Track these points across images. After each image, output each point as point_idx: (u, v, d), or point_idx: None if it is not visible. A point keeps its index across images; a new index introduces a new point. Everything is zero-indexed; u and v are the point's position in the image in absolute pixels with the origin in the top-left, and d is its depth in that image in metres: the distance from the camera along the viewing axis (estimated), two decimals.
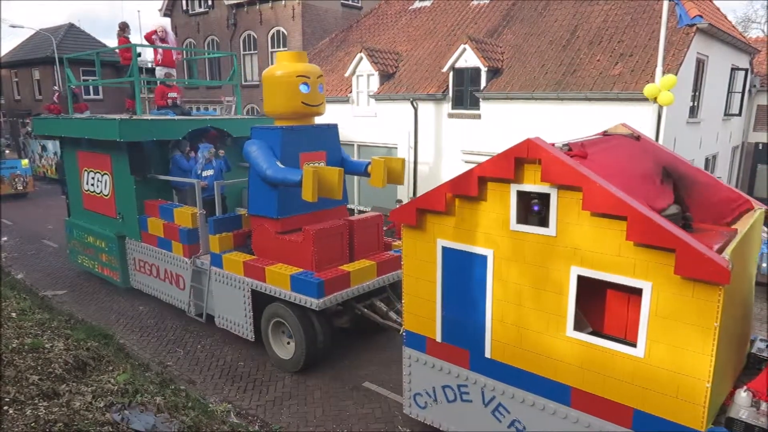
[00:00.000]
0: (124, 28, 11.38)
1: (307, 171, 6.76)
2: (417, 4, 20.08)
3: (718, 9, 16.51)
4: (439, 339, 5.62)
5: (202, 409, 6.56)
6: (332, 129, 8.49)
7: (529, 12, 16.15)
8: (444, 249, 5.37)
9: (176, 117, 9.99)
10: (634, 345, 4.33)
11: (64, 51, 31.83)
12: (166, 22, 29.02)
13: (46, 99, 30.43)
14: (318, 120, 8.73)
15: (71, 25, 36.11)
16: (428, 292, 5.60)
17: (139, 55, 10.33)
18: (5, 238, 15.35)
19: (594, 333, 4.71)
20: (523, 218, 4.85)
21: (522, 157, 4.61)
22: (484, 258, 5.08)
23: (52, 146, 25.00)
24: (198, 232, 8.97)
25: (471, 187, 4.94)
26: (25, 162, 22.30)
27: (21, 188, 21.82)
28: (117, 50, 11.31)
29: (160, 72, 10.99)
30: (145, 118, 9.53)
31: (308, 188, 6.76)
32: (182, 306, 9.45)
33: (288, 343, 7.97)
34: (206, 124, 10.13)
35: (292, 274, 7.39)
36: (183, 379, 7.74)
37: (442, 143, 16.04)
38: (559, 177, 4.40)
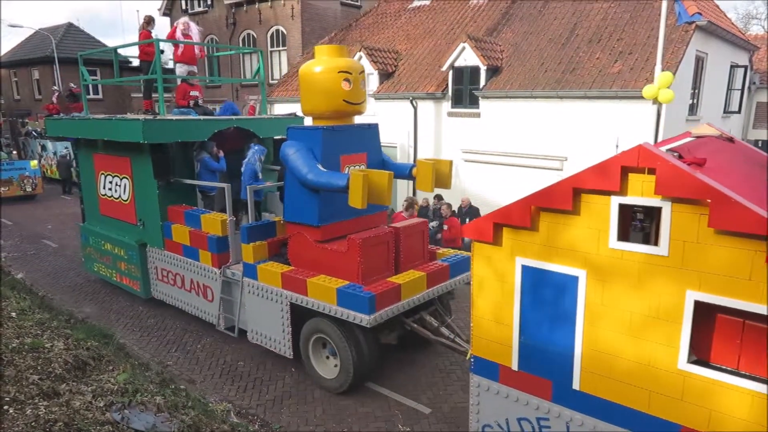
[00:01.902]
0: (149, 21, 10.39)
1: (356, 175, 5.97)
2: (416, 3, 19.49)
3: (717, 6, 15.95)
4: (515, 367, 4.96)
5: (202, 408, 6.38)
6: (373, 129, 7.66)
7: (528, 10, 15.64)
8: (524, 268, 4.70)
9: (201, 117, 9.19)
10: (764, 381, 3.68)
11: (63, 50, 31.46)
12: (160, 18, 28.93)
13: (46, 99, 30.04)
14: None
15: (70, 25, 35.33)
16: (503, 315, 4.91)
17: (163, 51, 9.44)
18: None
19: (699, 362, 4.07)
20: (624, 235, 4.18)
21: (630, 166, 3.95)
22: (574, 279, 4.44)
23: (52, 146, 23.78)
24: (228, 240, 8.15)
25: (564, 200, 4.27)
26: (33, 163, 21.21)
27: (30, 190, 20.76)
28: (138, 45, 10.35)
29: (180, 69, 9.99)
30: (169, 118, 8.72)
31: (357, 194, 5.99)
32: (210, 319, 8.61)
33: (327, 357, 7.20)
34: (233, 124, 9.29)
35: (338, 288, 6.53)
36: (183, 378, 7.49)
37: (442, 142, 15.47)
38: (680, 189, 3.73)
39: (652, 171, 3.88)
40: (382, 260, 7.00)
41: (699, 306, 3.92)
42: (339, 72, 6.85)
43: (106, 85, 31.34)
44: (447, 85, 15.05)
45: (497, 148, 14.12)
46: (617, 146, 12.31)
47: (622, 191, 4.08)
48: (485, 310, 5.08)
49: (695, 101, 14.00)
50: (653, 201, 3.96)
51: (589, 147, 12.54)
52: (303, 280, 6.87)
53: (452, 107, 15.15)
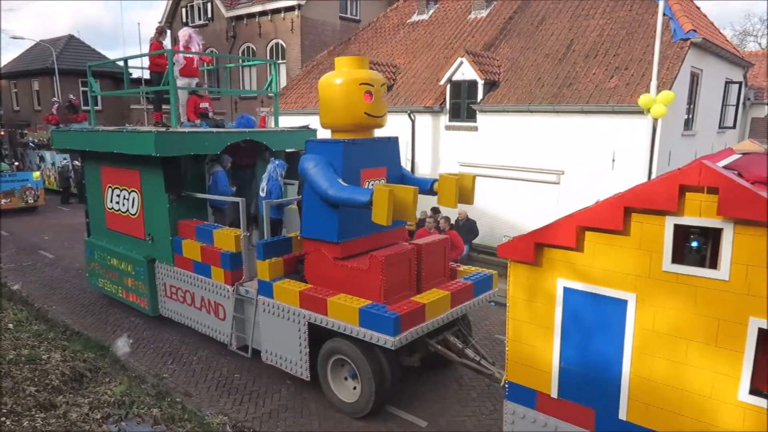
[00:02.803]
0: (161, 32, 10.09)
1: (382, 191, 5.66)
2: (415, 18, 19.32)
3: (712, 23, 15.82)
4: (554, 394, 4.66)
5: (198, 421, 6.29)
6: (393, 142, 7.37)
7: (525, 26, 15.50)
8: (567, 290, 4.43)
9: (214, 129, 8.82)
10: None
11: (63, 62, 31.38)
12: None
13: (45, 110, 30.08)
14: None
15: (71, 37, 35.10)
16: (542, 339, 4.61)
17: (175, 63, 9.10)
18: None
19: (757, 393, 3.79)
20: (679, 257, 3.92)
21: (688, 185, 3.69)
22: (622, 303, 4.16)
23: (50, 157, 23.42)
24: (241, 256, 7.77)
25: (614, 220, 4.02)
26: (36, 174, 20.66)
27: (32, 201, 20.20)
28: (148, 56, 9.99)
29: (181, 83, 9.58)
30: (182, 130, 8.33)
31: (383, 210, 5.67)
32: (222, 338, 8.18)
33: (346, 378, 6.83)
34: (246, 136, 8.91)
35: (361, 308, 6.14)
36: (179, 391, 7.31)
37: (440, 155, 15.24)
38: (745, 210, 3.48)
39: (712, 190, 3.63)
40: (405, 278, 6.65)
41: (762, 333, 3.66)
42: (360, 84, 6.57)
43: (105, 96, 31.51)
44: (445, 98, 14.89)
45: (494, 162, 14.05)
46: (614, 160, 12.41)
47: (679, 211, 3.82)
48: (522, 333, 4.78)
49: (691, 116, 13.97)
50: (713, 222, 3.70)
51: (585, 161, 12.41)
52: (323, 299, 6.47)
53: (450, 121, 14.99)
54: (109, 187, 9.73)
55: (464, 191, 6.79)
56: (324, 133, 7.46)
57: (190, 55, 9.51)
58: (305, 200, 6.98)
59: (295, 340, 6.92)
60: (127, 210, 9.36)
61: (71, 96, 24.48)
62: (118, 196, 9.51)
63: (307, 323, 6.73)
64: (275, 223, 8.23)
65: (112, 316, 10.03)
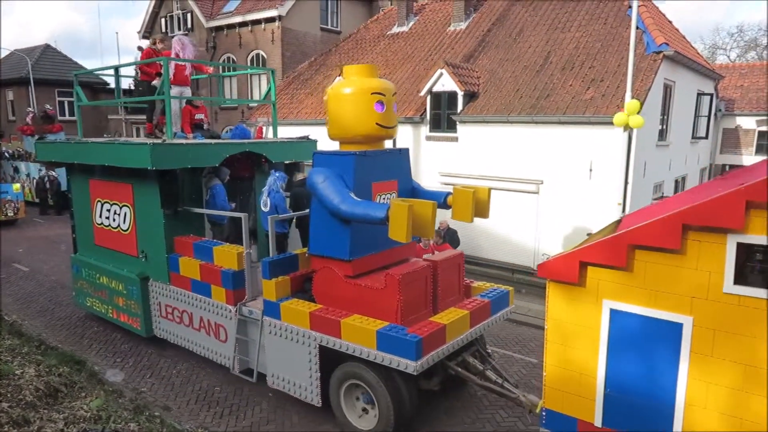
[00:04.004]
0: (162, 40, 9.51)
1: (401, 206, 5.26)
2: (395, 30, 19.18)
3: (684, 37, 16.16)
4: (598, 423, 4.33)
5: None
6: (404, 154, 6.91)
7: (503, 38, 15.48)
8: (614, 312, 4.13)
9: (212, 141, 8.33)
10: None
11: (39, 72, 30.75)
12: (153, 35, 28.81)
13: (20, 120, 29.40)
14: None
15: (47, 46, 33.93)
16: (584, 364, 4.29)
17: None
18: None
19: None
20: (742, 278, 3.65)
21: (755, 201, 3.43)
22: (677, 326, 3.88)
23: (25, 168, 22.41)
24: (244, 274, 7.21)
25: (671, 238, 3.71)
26: (16, 186, 19.33)
27: (12, 215, 18.88)
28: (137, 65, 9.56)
29: (173, 92, 8.83)
30: (179, 142, 7.76)
31: (401, 227, 5.27)
32: (223, 361, 7.57)
33: (356, 400, 6.36)
34: (246, 148, 8.37)
35: (378, 330, 5.65)
36: (158, 405, 7.04)
37: (420, 165, 14.98)
38: None
39: None
40: (421, 297, 6.18)
41: None
42: (372, 93, 6.15)
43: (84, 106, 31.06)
44: (425, 109, 14.76)
45: (475, 172, 14.05)
46: (591, 170, 12.63)
47: (743, 229, 3.54)
48: (561, 358, 4.41)
49: (665, 127, 14.12)
50: None
51: (564, 171, 12.35)
52: (336, 321, 5.97)
53: (430, 131, 14.87)
54: (98, 201, 9.08)
55: (479, 204, 6.37)
56: (323, 145, 7.07)
57: (183, 63, 8.95)
58: (313, 215, 6.51)
59: (304, 364, 6.38)
60: (118, 226, 8.73)
61: (47, 106, 23.94)
62: (108, 210, 8.87)
63: (318, 346, 6.22)
64: (280, 238, 7.79)
65: (88, 329, 9.60)
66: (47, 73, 30.82)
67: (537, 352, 9.17)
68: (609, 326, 4.19)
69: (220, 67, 20.22)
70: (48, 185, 22.00)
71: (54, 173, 21.47)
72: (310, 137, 9.74)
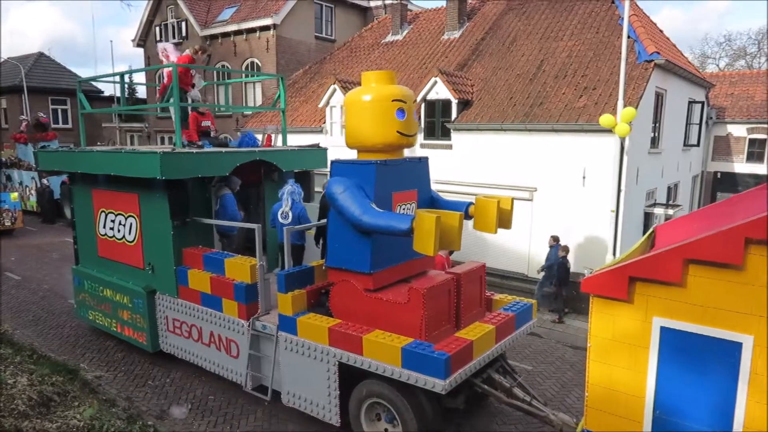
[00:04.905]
0: (202, 50, 9.21)
1: (428, 218, 5.01)
2: (389, 38, 19.12)
3: (675, 46, 16.09)
4: None
5: None
6: (424, 163, 6.68)
7: (497, 47, 15.45)
8: (664, 330, 3.87)
9: (222, 149, 8.05)
10: None
11: (32, 80, 30.71)
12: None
13: (13, 128, 29.29)
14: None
15: (41, 54, 33.52)
16: (632, 384, 4.03)
17: (193, 85, 8.49)
18: None
19: None
20: None
21: None
22: (735, 346, 3.63)
23: (17, 176, 22.01)
24: (257, 287, 6.89)
25: (733, 253, 3.46)
26: (14, 195, 18.74)
27: (9, 224, 18.35)
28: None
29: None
30: (189, 151, 7.42)
31: (429, 239, 5.02)
32: (235, 378, 7.21)
33: (376, 417, 6.06)
34: (256, 156, 8.08)
35: (404, 347, 5.33)
36: (151, 414, 6.93)
37: None
38: None
39: None
40: (444, 311, 5.87)
41: None
42: (393, 100, 5.92)
43: (76, 114, 31.01)
44: (420, 117, 14.78)
45: (469, 179, 13.94)
46: (584, 177, 12.70)
47: None
48: (606, 377, 4.15)
49: (656, 134, 14.08)
50: None
51: (557, 178, 12.27)
52: (357, 337, 5.64)
53: (425, 139, 14.77)
54: (102, 211, 8.71)
55: (503, 215, 6.11)
56: (333, 154, 6.79)
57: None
58: (331, 226, 6.21)
59: (323, 381, 6.04)
60: (123, 237, 8.35)
61: (40, 114, 23.75)
62: (113, 221, 8.49)
63: (337, 363, 5.89)
64: (297, 250, 7.48)
65: (81, 338, 9.43)
66: (41, 81, 30.68)
67: (531, 358, 9.16)
68: (659, 345, 3.93)
69: (226, 74, 20.16)
70: (41, 194, 21.81)
71: (46, 182, 21.32)
72: (320, 145, 9.52)
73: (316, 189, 16.46)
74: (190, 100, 8.57)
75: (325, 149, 9.06)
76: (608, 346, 4.17)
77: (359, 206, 5.68)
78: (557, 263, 11.26)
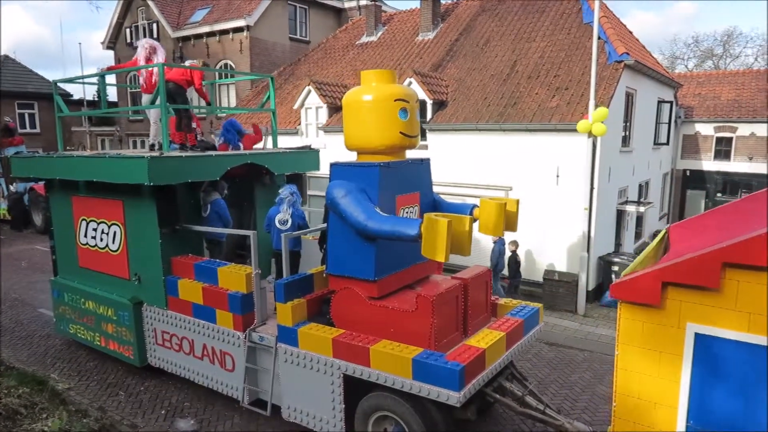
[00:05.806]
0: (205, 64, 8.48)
1: (439, 222, 4.73)
2: (364, 39, 18.96)
3: (644, 47, 16.26)
4: None
5: None
6: (426, 165, 6.39)
7: (471, 48, 15.45)
8: (699, 337, 3.68)
9: (213, 153, 7.71)
10: None
11: None
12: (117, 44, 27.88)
13: None
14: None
15: (6, 57, 33.32)
16: (663, 394, 3.84)
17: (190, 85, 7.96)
18: None
19: None
20: None
21: None
22: None
23: None
24: (253, 297, 6.51)
25: None
26: None
27: None
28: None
29: (145, 99, 8.11)
30: (178, 155, 7.01)
31: (440, 245, 4.72)
32: (231, 392, 6.80)
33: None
34: (248, 160, 7.72)
35: (414, 357, 5.03)
36: (125, 423, 6.70)
37: None
38: None
39: None
40: (452, 319, 5.62)
41: None
42: (396, 100, 5.65)
43: (45, 119, 30.22)
44: None
45: (445, 179, 13.90)
46: (558, 176, 12.86)
47: None
48: (636, 386, 3.96)
49: (627, 133, 14.17)
50: None
51: (532, 177, 12.30)
52: (364, 348, 5.32)
53: None
54: (83, 219, 8.20)
55: (508, 217, 5.88)
56: (327, 156, 6.49)
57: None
58: (332, 232, 5.89)
59: (326, 395, 5.72)
60: (106, 246, 7.88)
61: (7, 118, 23.10)
62: (95, 230, 7.98)
63: (342, 375, 5.57)
64: (293, 257, 7.17)
65: (51, 348, 9.05)
66: (7, 85, 29.84)
67: (521, 362, 8.91)
68: (693, 352, 3.73)
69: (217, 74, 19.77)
70: (14, 201, 21.15)
71: (13, 187, 20.72)
72: (312, 146, 9.20)
73: (309, 192, 16.33)
74: (190, 98, 8.23)
75: (317, 151, 8.77)
76: (637, 353, 3.98)
77: (363, 211, 5.40)
78: (507, 258, 11.69)
